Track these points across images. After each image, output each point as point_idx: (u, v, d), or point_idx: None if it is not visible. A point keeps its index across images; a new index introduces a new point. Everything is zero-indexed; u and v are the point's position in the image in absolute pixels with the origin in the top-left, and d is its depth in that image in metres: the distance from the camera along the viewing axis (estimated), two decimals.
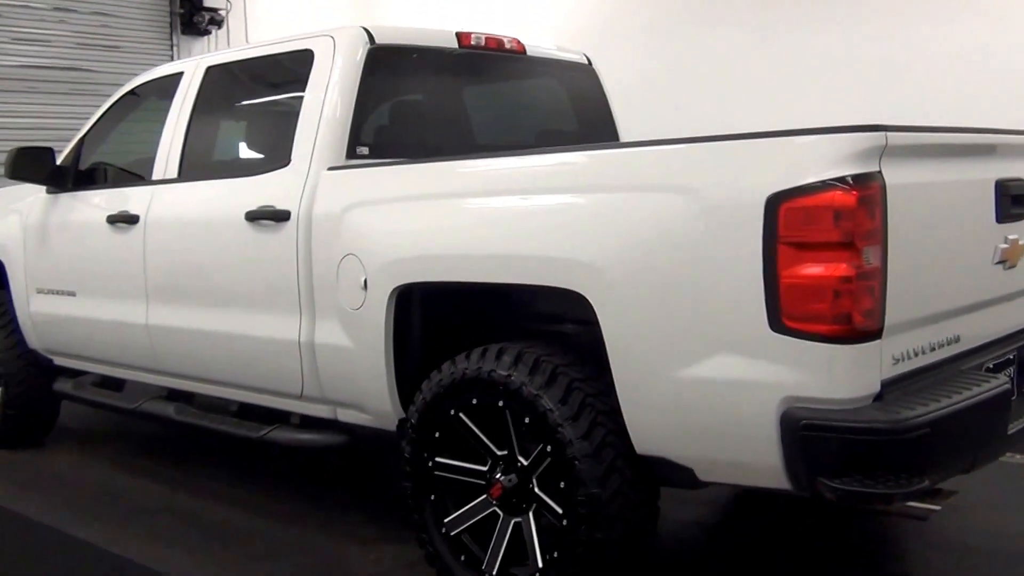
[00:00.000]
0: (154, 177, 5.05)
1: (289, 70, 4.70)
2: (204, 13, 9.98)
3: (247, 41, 10.47)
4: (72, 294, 5.52)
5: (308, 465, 5.50)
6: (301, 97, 4.43)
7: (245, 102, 5.33)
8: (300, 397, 4.34)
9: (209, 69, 5.01)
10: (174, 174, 4.94)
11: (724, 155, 3.01)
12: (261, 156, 4.77)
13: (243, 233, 4.40)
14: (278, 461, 5.53)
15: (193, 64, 5.12)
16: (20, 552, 4.50)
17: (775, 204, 2.82)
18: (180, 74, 5.15)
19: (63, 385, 5.84)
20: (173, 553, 4.36)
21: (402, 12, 10.76)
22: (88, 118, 8.29)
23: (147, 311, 4.98)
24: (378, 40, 4.41)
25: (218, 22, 10.13)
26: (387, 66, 4.46)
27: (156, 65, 9.65)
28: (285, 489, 5.20)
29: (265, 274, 4.35)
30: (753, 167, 2.92)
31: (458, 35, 4.73)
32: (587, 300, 3.20)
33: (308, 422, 4.48)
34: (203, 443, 5.97)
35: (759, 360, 2.89)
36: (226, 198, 4.58)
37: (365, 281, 3.89)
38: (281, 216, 4.24)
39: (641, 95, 7.57)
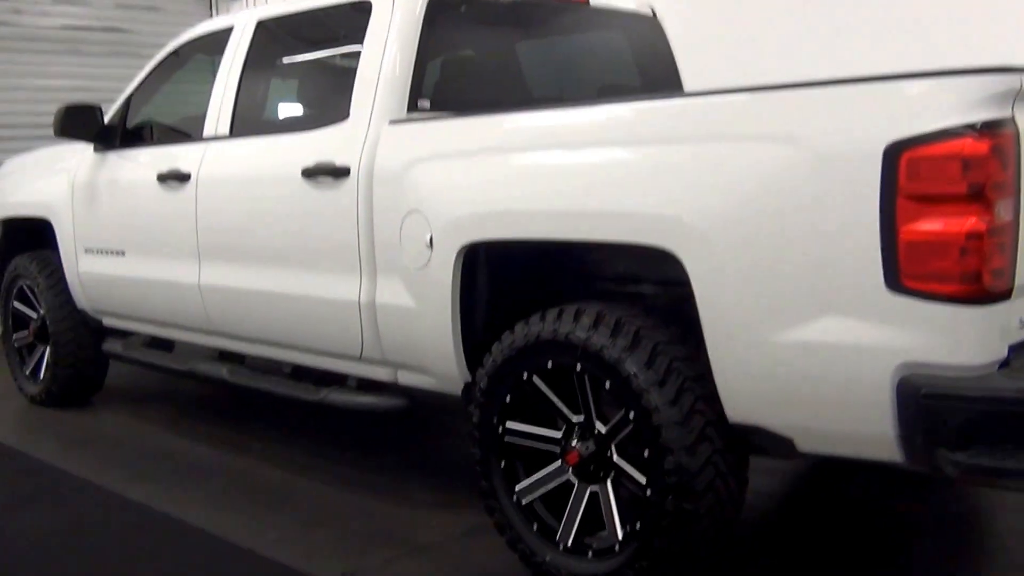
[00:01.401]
0: (205, 134, 4.73)
1: (345, 22, 4.37)
2: None
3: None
4: (121, 254, 5.23)
5: (363, 428, 5.21)
6: (359, 50, 4.11)
7: (299, 56, 4.98)
8: (359, 359, 4.04)
9: (261, 23, 4.68)
10: (226, 131, 4.62)
11: (835, 101, 2.66)
12: (317, 111, 4.44)
13: (299, 190, 4.09)
14: (331, 423, 5.25)
15: (244, 18, 4.78)
16: (76, 513, 4.23)
17: (895, 154, 2.48)
18: (230, 29, 4.82)
19: (112, 345, 5.56)
20: (229, 517, 4.09)
21: None
22: (128, 79, 8.01)
23: (199, 271, 4.68)
24: None
25: None
26: (447, 17, 4.12)
27: (195, 25, 9.45)
28: (340, 452, 4.93)
29: (323, 232, 4.04)
30: (869, 114, 2.58)
31: None
32: (678, 258, 2.87)
33: (366, 384, 4.19)
34: (253, 404, 5.71)
35: (874, 323, 2.56)
36: (281, 154, 4.26)
37: (430, 239, 3.57)
38: (340, 172, 3.92)
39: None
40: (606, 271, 3.65)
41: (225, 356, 4.94)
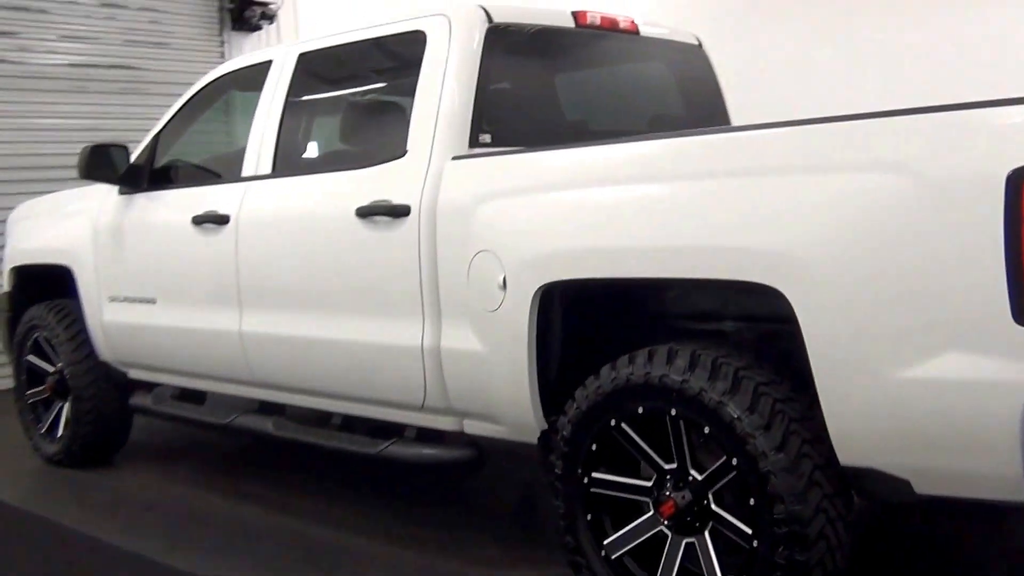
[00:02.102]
0: (244, 174, 4.80)
1: (396, 53, 4.47)
2: (255, 8, 9.75)
3: (297, 36, 10.23)
4: (152, 301, 5.28)
5: (411, 479, 5.23)
6: (413, 82, 4.19)
7: (346, 90, 5.08)
8: (421, 408, 4.08)
9: (302, 56, 4.77)
10: (267, 170, 4.70)
11: (950, 127, 2.72)
12: (369, 147, 4.51)
13: (354, 230, 4.15)
14: (378, 475, 5.27)
15: (283, 52, 4.88)
16: None
17: (1019, 180, 2.53)
18: (268, 63, 4.91)
19: (141, 399, 5.60)
20: None
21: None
22: (137, 117, 8.15)
23: (240, 318, 4.74)
24: (496, 19, 4.17)
25: (270, 17, 9.89)
26: (505, 47, 4.21)
27: (206, 62, 9.58)
28: (393, 506, 4.95)
29: (381, 275, 4.09)
30: (988, 140, 2.64)
31: (574, 14, 4.47)
32: (782, 295, 2.92)
33: (426, 435, 4.22)
34: (288, 457, 5.72)
35: (1000, 357, 2.60)
36: (331, 193, 4.34)
37: (504, 280, 3.63)
38: (399, 211, 3.98)
39: None
40: (684, 308, 3.69)
41: (266, 408, 4.98)
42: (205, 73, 9.57)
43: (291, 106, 4.76)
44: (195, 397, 5.48)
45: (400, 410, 4.22)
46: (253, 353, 4.72)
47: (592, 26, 4.53)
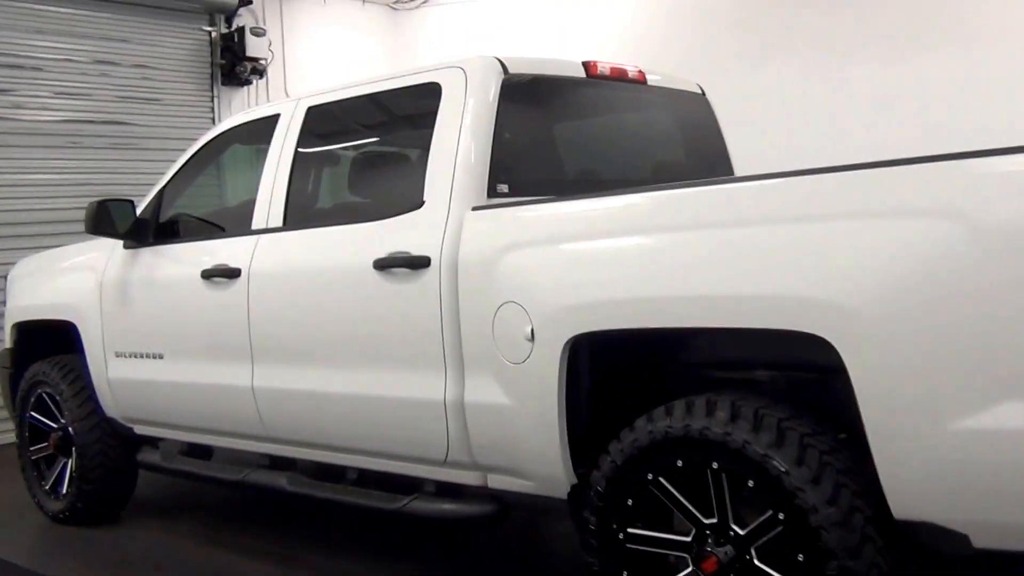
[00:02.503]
0: (255, 227, 4.61)
1: (410, 105, 4.31)
2: (246, 63, 9.57)
3: (286, 90, 10.09)
4: (159, 357, 5.06)
5: (432, 534, 5.00)
6: (429, 133, 4.02)
7: (357, 142, 4.90)
8: (443, 463, 3.88)
9: (311, 109, 4.59)
10: (279, 222, 4.50)
11: (1007, 172, 2.57)
12: (384, 199, 4.34)
13: (371, 283, 3.97)
14: (387, 528, 5.04)
15: (291, 105, 4.70)
16: None
17: None
18: (276, 117, 4.73)
19: (149, 456, 5.36)
20: None
21: (444, 51, 10.41)
22: (130, 172, 7.96)
23: (253, 373, 4.52)
24: (511, 70, 4.03)
25: (260, 72, 9.73)
26: (520, 98, 4.06)
27: (198, 117, 9.41)
28: (407, 561, 4.72)
29: (400, 327, 3.90)
30: None
31: (585, 64, 4.34)
32: (829, 345, 2.75)
33: (447, 490, 4.01)
34: (294, 511, 5.47)
35: None
36: (347, 246, 4.15)
37: (531, 331, 3.44)
38: (419, 263, 3.80)
39: None
40: (713, 356, 3.52)
41: (277, 463, 4.75)
42: (197, 128, 9.50)
43: (301, 159, 4.59)
44: (202, 452, 5.25)
45: (420, 464, 4.01)
46: (266, 408, 4.51)
47: (602, 76, 4.41)
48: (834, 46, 7.91)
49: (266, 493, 4.73)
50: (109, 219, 5.09)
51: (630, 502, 3.23)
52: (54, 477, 5.87)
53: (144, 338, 5.14)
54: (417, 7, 10.89)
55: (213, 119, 9.60)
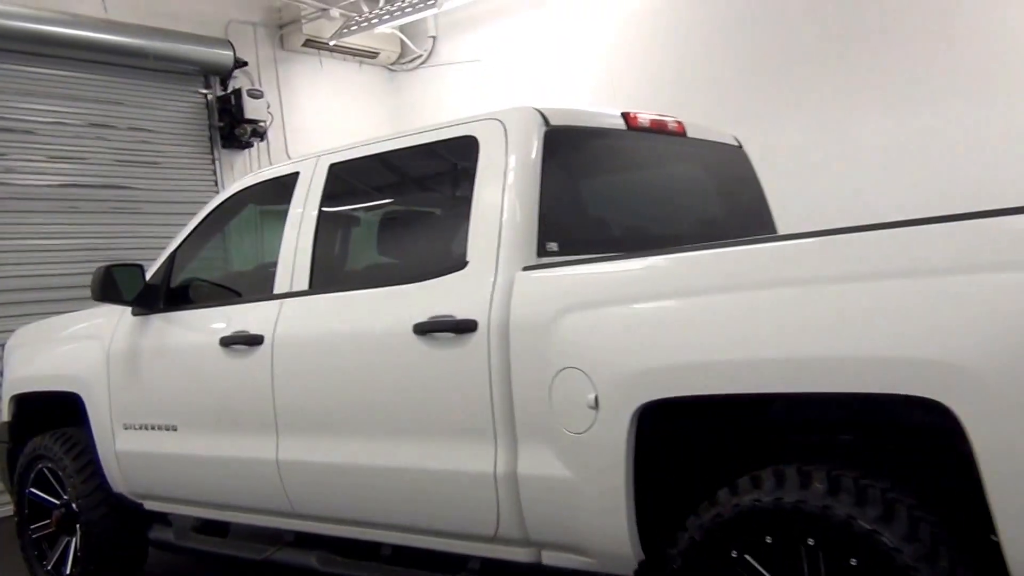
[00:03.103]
0: (277, 290, 4.32)
1: (443, 160, 4.07)
2: (245, 126, 9.35)
3: (287, 151, 9.86)
4: (173, 429, 4.74)
5: None
6: (466, 190, 3.78)
7: (386, 200, 4.63)
8: (492, 539, 3.57)
9: (333, 167, 4.33)
10: (304, 286, 4.22)
11: None
12: (420, 260, 4.07)
13: (411, 349, 3.68)
14: None
15: (311, 164, 4.44)
16: None
17: None
18: (295, 175, 4.47)
19: (161, 533, 5.01)
20: None
21: (443, 110, 10.23)
22: (129, 236, 7.67)
23: (277, 445, 4.21)
24: (552, 122, 3.78)
25: (260, 134, 9.50)
26: (563, 150, 3.83)
27: (198, 180, 9.15)
28: None
29: (444, 396, 3.62)
30: None
31: (624, 115, 4.12)
32: (944, 408, 2.48)
33: (493, 567, 3.69)
34: None
35: None
36: (382, 310, 3.87)
37: (595, 399, 3.16)
38: (464, 327, 3.53)
39: None
40: (793, 420, 3.25)
41: (302, 540, 4.42)
42: (199, 191, 9.24)
43: (325, 219, 4.32)
44: (216, 528, 4.91)
45: (465, 541, 3.70)
46: (292, 483, 4.19)
47: (642, 128, 4.19)
48: (844, 100, 7.76)
49: (292, 573, 4.36)
50: (117, 285, 4.79)
51: None
52: (56, 557, 5.48)
53: (156, 409, 4.82)
54: (415, 68, 10.72)
55: (215, 181, 9.36)
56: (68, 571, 5.37)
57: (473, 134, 3.81)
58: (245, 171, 9.68)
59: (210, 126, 9.36)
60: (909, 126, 7.35)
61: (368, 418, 3.88)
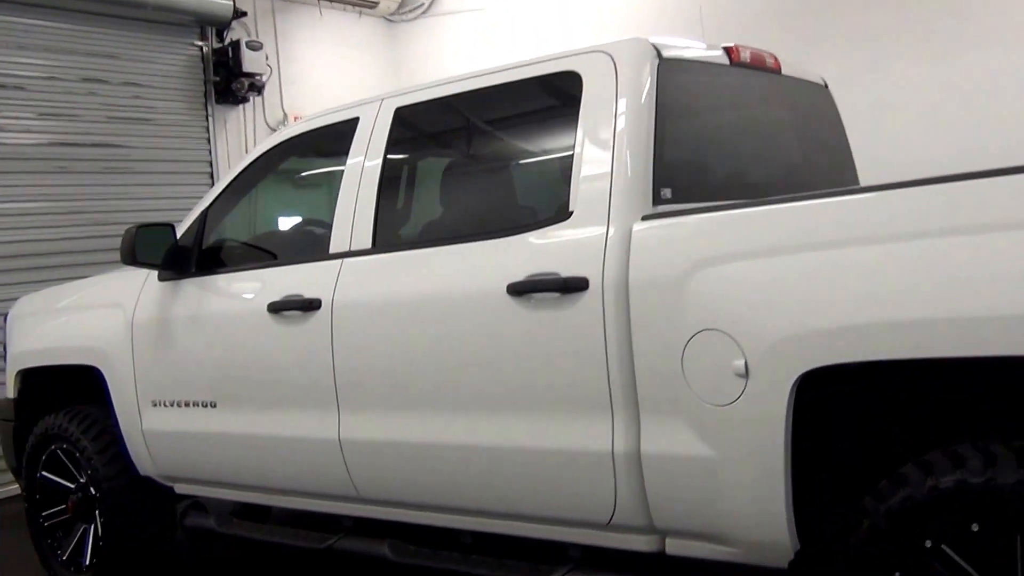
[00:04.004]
0: (334, 250, 3.84)
1: (535, 99, 3.60)
2: (243, 80, 8.77)
3: (283, 107, 9.31)
4: (211, 405, 4.26)
5: None
6: (564, 131, 3.32)
7: (465, 146, 4.15)
8: (605, 526, 3.14)
9: (401, 111, 3.84)
10: (367, 244, 3.75)
11: None
12: (512, 212, 3.61)
13: (506, 312, 3.24)
14: None
15: (371, 108, 3.95)
16: None
17: None
18: (353, 122, 3.98)
19: (199, 519, 4.54)
20: None
21: (444, 62, 9.73)
22: (122, 197, 7.15)
23: (339, 422, 3.76)
24: (665, 54, 3.32)
25: (258, 88, 8.94)
26: (675, 86, 3.37)
27: (192, 138, 8.59)
28: None
29: (546, 365, 3.18)
30: None
31: (726, 49, 3.67)
32: None
33: (598, 556, 3.27)
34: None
35: None
36: (468, 269, 3.42)
37: (744, 365, 2.72)
38: (572, 285, 3.09)
39: None
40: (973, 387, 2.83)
41: (360, 527, 3.99)
42: (192, 149, 8.68)
43: (391, 169, 3.85)
44: (257, 514, 4.46)
45: (572, 528, 3.26)
46: (357, 464, 3.75)
47: (743, 63, 3.73)
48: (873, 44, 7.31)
49: (360, 563, 3.92)
50: (151, 248, 4.28)
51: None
52: (72, 545, 4.99)
53: (191, 384, 4.34)
54: (416, 18, 10.17)
55: (208, 139, 8.81)
56: (87, 562, 4.88)
57: (575, 69, 3.35)
58: (240, 128, 9.15)
59: (205, 80, 8.80)
60: (951, 72, 6.91)
61: (452, 392, 3.43)
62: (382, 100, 3.95)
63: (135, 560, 4.80)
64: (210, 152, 8.80)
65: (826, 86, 4.41)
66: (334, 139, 4.07)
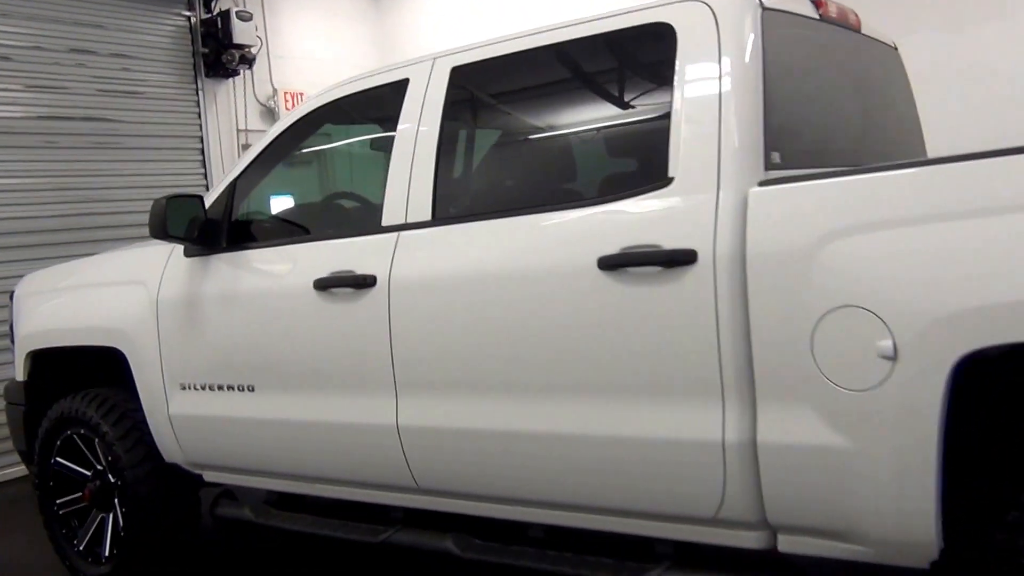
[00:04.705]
0: (387, 222, 3.39)
1: (622, 54, 3.18)
2: (233, 51, 8.21)
3: (272, 83, 8.78)
4: (248, 389, 3.82)
5: None
6: (657, 89, 2.92)
7: (542, 105, 3.68)
8: (711, 520, 2.75)
9: (458, 70, 3.40)
10: (425, 215, 3.32)
11: None
12: (597, 178, 3.19)
13: (596, 288, 2.85)
14: None
15: (424, 68, 3.50)
16: None
17: None
18: (402, 83, 3.52)
19: (232, 509, 4.10)
20: None
21: (431, 37, 9.25)
22: (111, 173, 6.64)
23: (397, 407, 3.34)
24: (766, 3, 2.92)
25: (248, 61, 8.38)
26: (778, 39, 2.98)
27: (181, 112, 8.04)
28: None
29: (644, 345, 2.80)
30: None
31: (813, 1, 3.26)
32: None
33: (692, 553, 2.89)
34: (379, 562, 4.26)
35: None
36: (550, 241, 3.01)
37: (893, 346, 2.34)
38: (677, 258, 2.69)
39: None
40: None
41: (411, 518, 3.58)
42: (181, 124, 8.12)
43: (451, 133, 3.40)
44: (291, 503, 4.03)
45: (667, 523, 2.88)
46: (418, 452, 3.33)
47: (829, 18, 3.34)
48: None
49: (407, 558, 3.51)
50: (182, 221, 3.81)
51: None
52: (89, 536, 4.52)
53: (225, 367, 3.89)
54: None
55: (199, 114, 8.26)
56: (107, 553, 4.42)
57: (667, 21, 2.94)
58: (230, 103, 8.59)
59: (194, 52, 8.23)
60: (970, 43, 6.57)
61: (531, 375, 3.03)
62: (434, 59, 3.50)
63: (158, 550, 4.33)
64: (201, 128, 8.25)
65: (896, 48, 4.03)
66: (378, 103, 3.64)
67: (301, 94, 9.01)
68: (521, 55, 3.29)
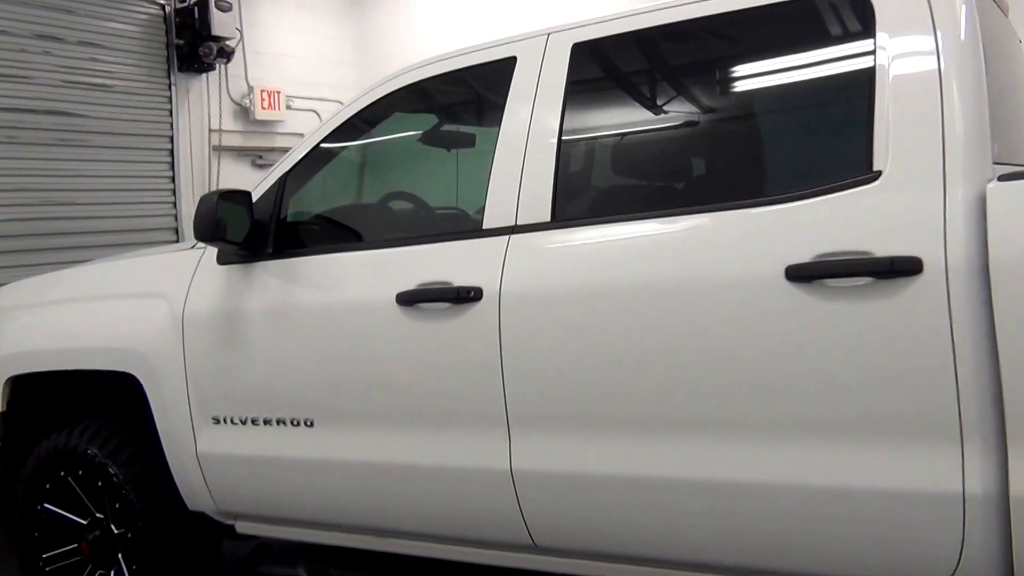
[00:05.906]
0: (490, 224, 2.98)
1: (798, 27, 2.81)
2: (211, 44, 7.73)
3: (248, 80, 8.31)
4: (307, 424, 3.34)
5: None
6: (850, 69, 2.56)
7: (695, 87, 3.25)
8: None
9: (580, 47, 3.00)
10: (543, 216, 2.91)
11: None
12: (776, 172, 2.80)
13: (783, 304, 2.51)
14: None
15: (537, 45, 3.10)
16: None
17: None
18: (508, 61, 3.11)
19: (283, 569, 3.59)
20: None
21: (411, 33, 8.90)
22: (76, 173, 6.19)
23: (510, 448, 2.90)
24: None
25: (227, 54, 7.91)
26: (981, 15, 2.62)
27: (152, 108, 7.53)
28: None
29: (848, 374, 2.44)
30: None
31: None
32: None
33: None
34: None
35: None
36: (720, 248, 2.63)
37: None
38: (898, 268, 2.30)
39: None
40: None
41: None
42: (151, 121, 7.60)
43: (574, 120, 3.00)
44: (333, 558, 3.58)
45: None
46: (537, 503, 2.92)
47: (1002, 3, 3.04)
48: None
49: None
50: (230, 220, 3.35)
51: None
52: None
53: (274, 397, 3.42)
54: None
55: (171, 111, 7.77)
56: None
57: None
58: (203, 101, 8.10)
59: (167, 44, 7.72)
60: None
61: (700, 411, 2.63)
62: (548, 35, 3.11)
63: None
64: (171, 126, 7.76)
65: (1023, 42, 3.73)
66: (471, 85, 3.21)
67: (278, 92, 8.58)
68: (665, 30, 2.89)
